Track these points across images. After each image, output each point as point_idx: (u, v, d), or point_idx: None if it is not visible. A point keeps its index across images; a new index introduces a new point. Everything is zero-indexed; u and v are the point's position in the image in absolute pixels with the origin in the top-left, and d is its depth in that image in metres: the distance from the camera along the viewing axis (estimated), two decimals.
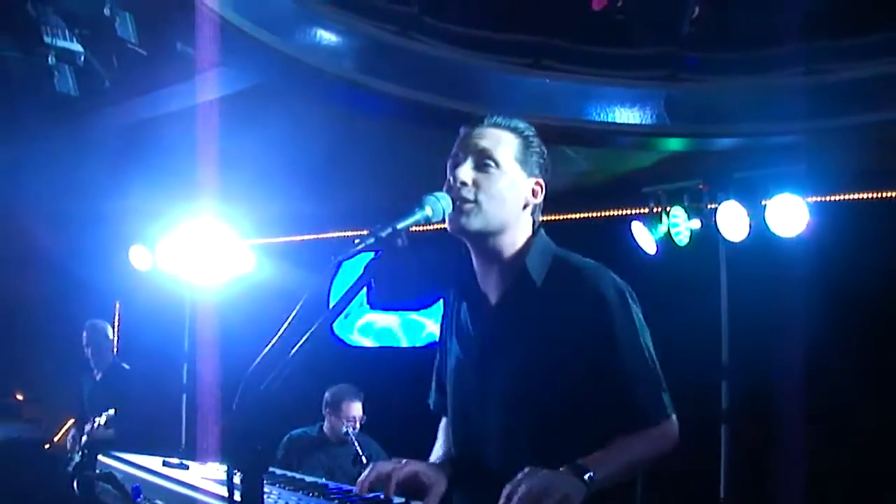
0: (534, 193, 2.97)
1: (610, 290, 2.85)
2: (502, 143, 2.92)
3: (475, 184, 2.85)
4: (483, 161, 2.87)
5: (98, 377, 7.82)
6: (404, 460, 2.84)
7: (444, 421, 3.29)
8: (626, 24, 6.25)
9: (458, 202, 2.82)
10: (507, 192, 2.89)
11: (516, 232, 2.95)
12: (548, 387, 2.81)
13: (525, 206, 2.95)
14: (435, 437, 3.31)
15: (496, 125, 2.95)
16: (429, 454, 3.22)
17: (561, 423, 2.81)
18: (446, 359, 3.17)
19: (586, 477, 2.54)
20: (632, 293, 2.91)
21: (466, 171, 2.86)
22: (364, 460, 6.88)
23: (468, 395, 3.00)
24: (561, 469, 2.55)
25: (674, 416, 2.87)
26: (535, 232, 3.00)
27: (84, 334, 7.88)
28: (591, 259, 2.96)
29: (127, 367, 7.89)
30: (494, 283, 2.98)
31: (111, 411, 6.94)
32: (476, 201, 2.84)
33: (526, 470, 2.51)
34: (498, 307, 2.96)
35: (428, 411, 3.35)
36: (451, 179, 2.87)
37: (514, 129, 2.96)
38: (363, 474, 2.80)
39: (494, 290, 2.98)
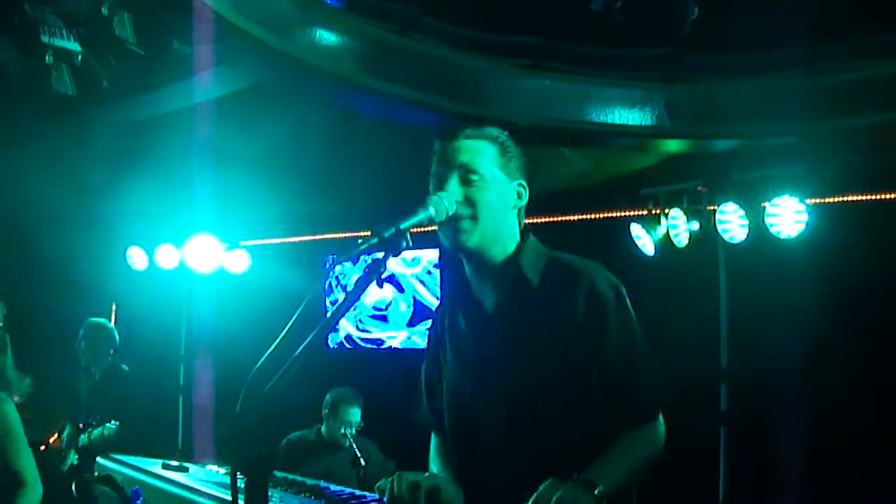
0: (519, 196, 2.98)
1: (606, 288, 2.87)
2: (480, 153, 2.91)
3: (466, 199, 2.85)
4: (467, 175, 2.87)
5: (96, 377, 7.77)
6: (427, 473, 2.83)
7: (434, 441, 3.26)
8: (625, 26, 6.23)
9: (452, 220, 2.83)
10: (496, 201, 2.90)
11: (507, 237, 2.95)
12: (551, 390, 2.81)
13: (514, 207, 2.97)
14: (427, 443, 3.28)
15: (469, 136, 2.94)
16: (425, 457, 3.20)
17: (564, 426, 2.81)
18: (439, 371, 3.14)
19: (596, 492, 2.54)
20: (624, 291, 2.92)
21: (454, 189, 2.86)
22: (363, 462, 6.86)
23: (468, 407, 2.97)
24: (571, 483, 2.53)
25: (662, 416, 2.90)
26: (523, 235, 3.01)
27: (80, 332, 7.83)
28: (581, 257, 2.97)
29: (126, 367, 7.84)
30: (490, 290, 2.97)
31: (114, 423, 6.91)
32: (471, 217, 2.85)
33: (548, 482, 2.50)
34: (495, 313, 2.95)
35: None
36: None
37: (488, 138, 2.95)
38: (391, 485, 2.78)
39: (490, 296, 2.97)
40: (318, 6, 6.14)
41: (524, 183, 3.00)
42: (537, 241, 3.03)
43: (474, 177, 2.87)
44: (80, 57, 5.84)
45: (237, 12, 5.72)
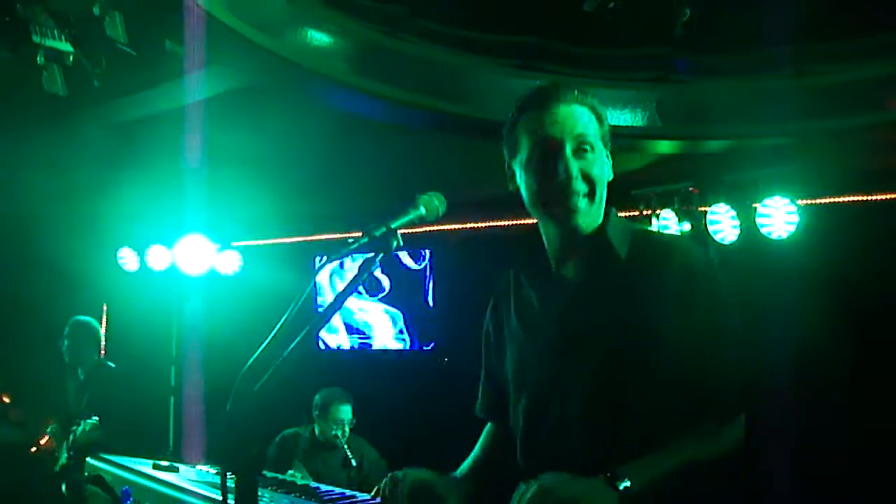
0: (611, 168, 2.80)
1: (700, 263, 2.70)
2: (588, 121, 2.73)
3: (582, 175, 2.68)
4: (581, 147, 2.69)
5: (81, 377, 7.73)
6: (414, 468, 2.79)
7: (488, 428, 3.16)
8: (617, 26, 6.24)
9: (568, 198, 2.68)
10: (604, 175, 2.74)
11: (605, 203, 2.78)
12: (636, 369, 2.61)
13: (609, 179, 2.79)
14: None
15: (573, 101, 2.73)
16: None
17: (645, 408, 2.61)
18: (503, 354, 2.99)
19: (621, 487, 2.38)
20: (716, 267, 2.74)
21: (573, 162, 2.68)
22: (354, 463, 6.86)
23: (541, 383, 2.79)
24: (599, 476, 2.40)
25: (743, 416, 2.67)
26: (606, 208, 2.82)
27: (65, 330, 7.79)
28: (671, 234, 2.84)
29: (113, 365, 7.80)
30: (573, 263, 2.80)
31: (95, 418, 6.89)
32: (588, 195, 2.69)
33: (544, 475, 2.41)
34: (581, 284, 2.77)
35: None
36: (556, 172, 2.67)
37: (588, 105, 2.76)
38: (382, 486, 2.77)
39: (574, 269, 2.80)
40: (309, 6, 6.13)
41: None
42: (618, 214, 2.84)
43: (587, 147, 2.69)
44: (71, 57, 5.83)
45: (229, 12, 5.72)
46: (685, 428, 2.55)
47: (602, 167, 2.73)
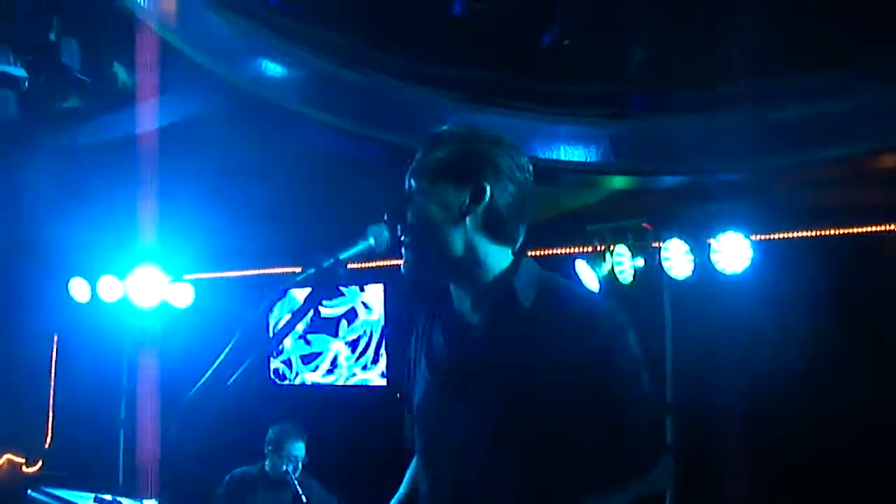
0: (474, 198, 2.70)
1: (605, 317, 2.68)
2: (424, 163, 2.74)
3: (403, 227, 2.72)
4: (408, 195, 2.74)
5: None
6: None
7: (415, 459, 3.10)
8: (572, 62, 6.26)
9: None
10: (432, 214, 2.70)
11: (464, 245, 2.72)
12: (534, 419, 2.60)
13: (466, 215, 2.70)
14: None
15: (422, 144, 2.78)
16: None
17: (545, 458, 2.61)
18: (414, 389, 2.96)
19: None
20: (628, 321, 2.72)
21: (393, 212, 2.73)
22: (304, 500, 6.82)
23: (440, 426, 2.80)
24: None
25: (668, 455, 2.73)
26: (516, 253, 2.82)
27: None
28: (581, 285, 2.86)
29: None
30: (474, 303, 2.79)
31: None
32: (406, 245, 2.71)
33: None
34: (481, 329, 2.75)
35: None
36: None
37: (444, 140, 2.78)
38: None
39: (475, 310, 2.79)
40: (264, 36, 6.13)
41: (486, 185, 2.68)
42: (533, 261, 2.82)
43: (410, 193, 2.73)
44: (26, 83, 5.79)
45: (183, 40, 5.71)
46: (592, 477, 2.60)
47: (426, 208, 2.71)
